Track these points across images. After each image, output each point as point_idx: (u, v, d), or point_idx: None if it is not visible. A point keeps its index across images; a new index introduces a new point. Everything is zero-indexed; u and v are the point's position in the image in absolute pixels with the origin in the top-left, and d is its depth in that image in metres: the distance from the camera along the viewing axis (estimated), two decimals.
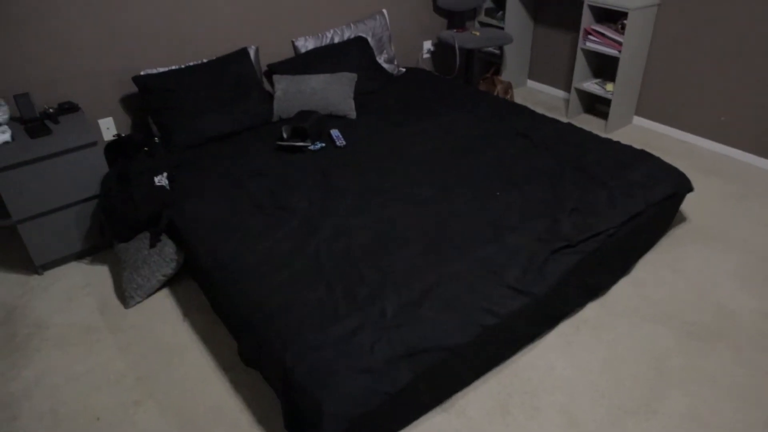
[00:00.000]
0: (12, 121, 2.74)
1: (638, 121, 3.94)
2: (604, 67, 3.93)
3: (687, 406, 1.98)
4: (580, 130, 3.03)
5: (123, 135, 2.80)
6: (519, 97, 4.37)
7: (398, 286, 1.98)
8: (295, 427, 1.79)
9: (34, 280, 2.71)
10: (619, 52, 3.51)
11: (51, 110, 2.76)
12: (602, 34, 3.59)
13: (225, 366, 2.20)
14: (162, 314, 2.46)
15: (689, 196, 3.11)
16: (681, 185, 2.65)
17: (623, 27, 3.48)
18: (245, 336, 2.02)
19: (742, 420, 1.93)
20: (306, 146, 2.86)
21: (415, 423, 1.93)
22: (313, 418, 1.64)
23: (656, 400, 2.00)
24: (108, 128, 3.10)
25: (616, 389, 2.05)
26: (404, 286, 1.98)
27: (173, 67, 3.09)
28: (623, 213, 2.37)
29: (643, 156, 2.76)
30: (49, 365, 2.25)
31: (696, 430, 1.89)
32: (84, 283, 2.67)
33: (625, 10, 3.39)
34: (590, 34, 3.65)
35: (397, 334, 1.80)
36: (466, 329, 1.87)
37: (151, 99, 2.97)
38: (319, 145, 2.90)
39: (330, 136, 3.01)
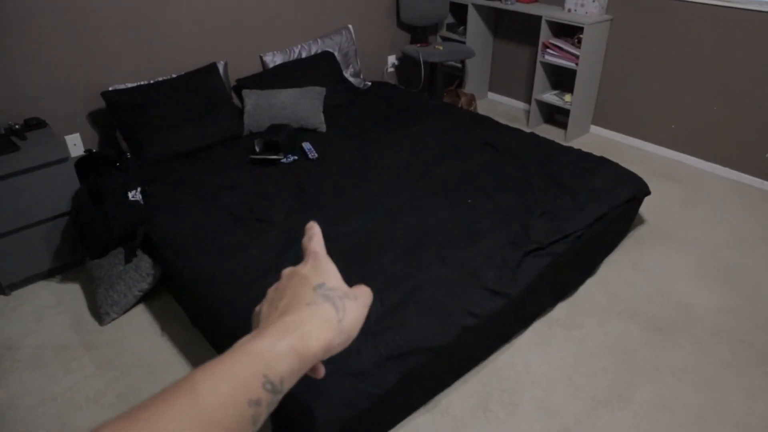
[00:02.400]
0: None
1: (595, 129, 4.13)
2: (562, 79, 4.12)
3: (655, 394, 2.10)
4: (543, 139, 3.17)
5: (94, 150, 2.78)
6: (481, 109, 4.51)
7: (380, 292, 2.03)
8: None
9: (1, 300, 2.64)
10: (576, 64, 3.69)
11: (17, 126, 2.71)
12: (560, 48, 3.76)
13: None
14: (140, 330, 2.44)
15: (646, 200, 3.28)
16: (639, 189, 2.80)
17: (579, 41, 3.66)
18: (228, 347, 2.03)
19: (704, 403, 2.05)
20: (279, 159, 2.90)
21: (401, 424, 1.98)
22: (305, 423, 1.67)
23: (627, 391, 2.11)
24: (75, 144, 3.06)
25: (589, 382, 2.15)
26: (386, 292, 2.03)
27: (142, 83, 3.09)
28: (588, 216, 2.50)
29: (604, 162, 2.91)
30: (23, 387, 2.20)
31: (664, 416, 2.01)
32: (55, 302, 2.62)
33: (581, 25, 3.57)
34: (548, 47, 3.82)
35: (382, 338, 1.85)
36: (448, 330, 1.94)
37: (120, 114, 2.96)
38: (291, 158, 2.94)
39: (302, 149, 3.05)
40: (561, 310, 2.49)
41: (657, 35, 3.56)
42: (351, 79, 3.87)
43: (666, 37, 3.53)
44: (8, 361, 2.32)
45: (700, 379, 2.16)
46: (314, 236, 0.57)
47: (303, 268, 0.52)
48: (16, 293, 2.68)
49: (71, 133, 3.03)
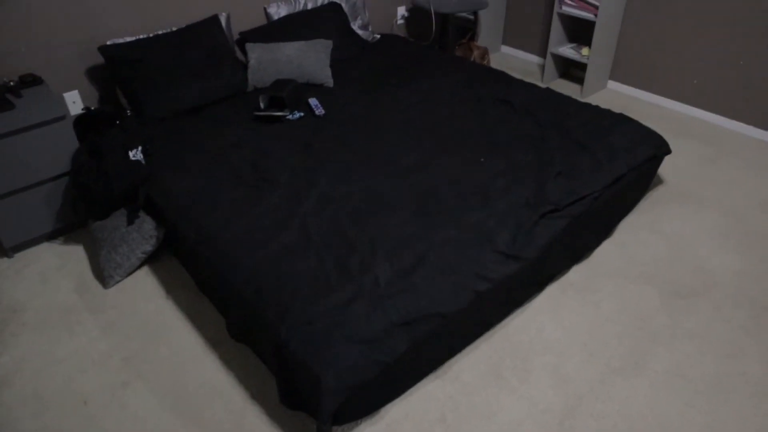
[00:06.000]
0: None
1: (613, 85, 3.96)
2: (579, 32, 3.93)
3: (671, 362, 2.04)
4: (559, 95, 3.03)
5: (93, 108, 2.68)
6: (494, 63, 4.34)
7: (389, 254, 1.96)
8: (291, 401, 1.79)
9: (5, 263, 2.60)
10: (595, 16, 3.50)
11: (12, 83, 2.61)
12: None
13: (213, 342, 2.16)
14: (144, 293, 2.40)
15: (665, 159, 3.15)
16: (660, 148, 2.68)
17: None
18: (234, 311, 1.99)
19: (723, 372, 1.99)
20: (284, 116, 2.79)
21: (411, 390, 1.94)
22: (311, 391, 1.63)
23: (642, 358, 2.05)
24: (74, 102, 2.95)
25: (604, 348, 2.09)
26: (395, 254, 1.96)
27: (141, 37, 2.96)
28: (607, 176, 2.39)
29: (623, 119, 2.78)
30: (29, 350, 2.17)
31: (680, 384, 1.95)
32: (59, 265, 2.58)
33: None
34: None
35: (391, 303, 1.79)
36: (460, 295, 1.87)
37: (119, 70, 2.84)
38: (297, 115, 2.83)
39: (308, 105, 2.94)
40: (576, 273, 2.42)
41: None
42: (359, 32, 3.71)
43: None
44: (14, 324, 2.29)
45: (719, 346, 2.10)
46: None
47: None
48: (19, 255, 2.64)
49: (70, 90, 2.92)
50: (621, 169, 2.45)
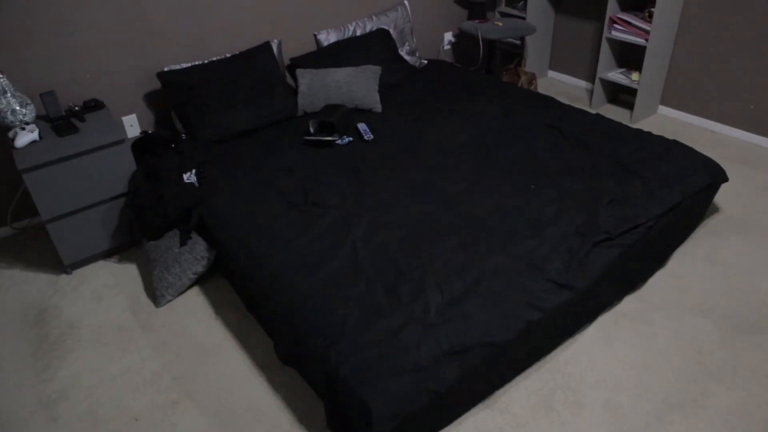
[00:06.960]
0: (38, 119, 2.72)
1: (664, 110, 3.88)
2: (629, 57, 3.87)
3: (733, 400, 1.95)
4: (610, 120, 2.98)
5: (150, 132, 2.78)
6: (541, 88, 4.31)
7: (440, 282, 1.95)
8: (338, 425, 1.78)
9: (63, 279, 2.70)
10: (646, 40, 3.45)
11: (77, 108, 2.74)
12: (628, 23, 3.52)
13: (261, 364, 2.18)
14: (194, 313, 2.45)
15: (722, 186, 3.06)
16: (716, 175, 2.60)
17: (650, 15, 3.41)
18: (283, 334, 2.00)
19: None
20: (334, 141, 2.83)
21: (459, 420, 1.90)
22: (361, 418, 1.62)
23: (701, 395, 1.97)
24: (131, 125, 3.07)
25: (660, 383, 2.01)
26: (446, 281, 1.95)
27: (196, 63, 3.06)
28: (661, 205, 2.33)
29: (676, 146, 2.71)
30: (84, 366, 2.24)
31: (744, 425, 1.86)
32: (113, 282, 2.66)
33: None
34: (616, 23, 3.59)
35: (442, 331, 1.77)
36: (511, 325, 1.84)
37: (174, 95, 2.95)
38: (346, 140, 2.86)
39: (357, 130, 2.97)
40: (629, 304, 2.35)
41: (735, 8, 3.28)
42: (407, 57, 3.75)
43: (745, 10, 3.24)
44: (71, 339, 2.36)
45: None
46: None
47: None
48: (77, 272, 2.74)
49: (128, 114, 3.05)
50: (676, 197, 2.38)
